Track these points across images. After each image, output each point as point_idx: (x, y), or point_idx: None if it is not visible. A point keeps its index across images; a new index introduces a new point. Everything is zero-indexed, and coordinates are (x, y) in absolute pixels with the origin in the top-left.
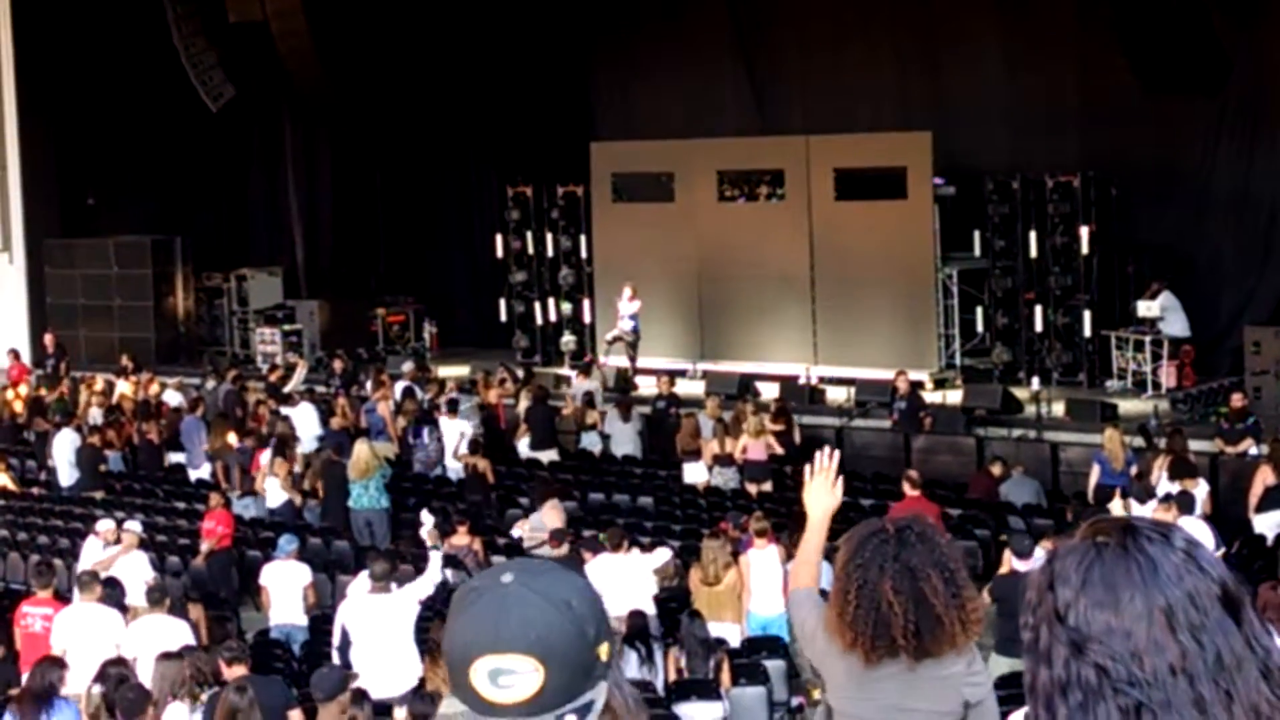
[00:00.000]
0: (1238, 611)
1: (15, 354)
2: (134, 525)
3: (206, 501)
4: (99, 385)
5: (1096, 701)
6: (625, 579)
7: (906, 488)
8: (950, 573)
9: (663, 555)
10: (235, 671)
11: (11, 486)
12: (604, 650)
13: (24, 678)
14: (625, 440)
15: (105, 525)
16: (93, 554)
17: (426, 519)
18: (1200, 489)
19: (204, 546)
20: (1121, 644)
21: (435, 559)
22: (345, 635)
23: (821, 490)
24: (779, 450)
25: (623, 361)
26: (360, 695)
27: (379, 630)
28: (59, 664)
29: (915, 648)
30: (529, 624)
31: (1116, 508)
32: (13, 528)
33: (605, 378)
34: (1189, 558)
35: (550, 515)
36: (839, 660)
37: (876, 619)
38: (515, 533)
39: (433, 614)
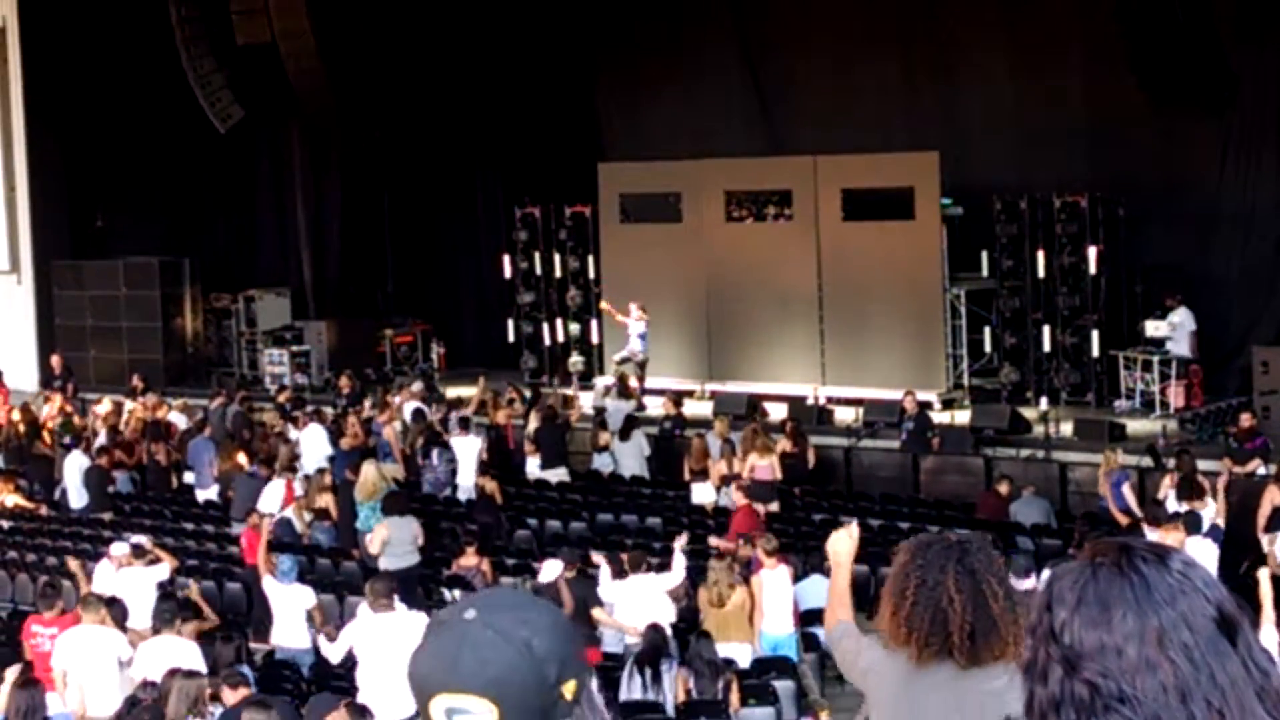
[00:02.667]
0: (1234, 633)
1: None
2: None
3: (217, 523)
4: (107, 407)
5: (1089, 718)
6: (646, 600)
7: (738, 496)
8: (1007, 586)
9: (679, 572)
10: (238, 695)
11: (25, 504)
12: (569, 689)
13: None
14: (629, 459)
15: (120, 549)
16: (105, 577)
17: None
18: (1209, 509)
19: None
20: (1114, 662)
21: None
22: (351, 655)
23: (843, 535)
24: (779, 475)
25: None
26: (360, 710)
27: (383, 650)
28: (32, 684)
29: (969, 650)
30: (485, 664)
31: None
32: (22, 549)
33: (640, 401)
34: (1184, 578)
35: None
36: (888, 668)
37: (935, 614)
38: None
39: None
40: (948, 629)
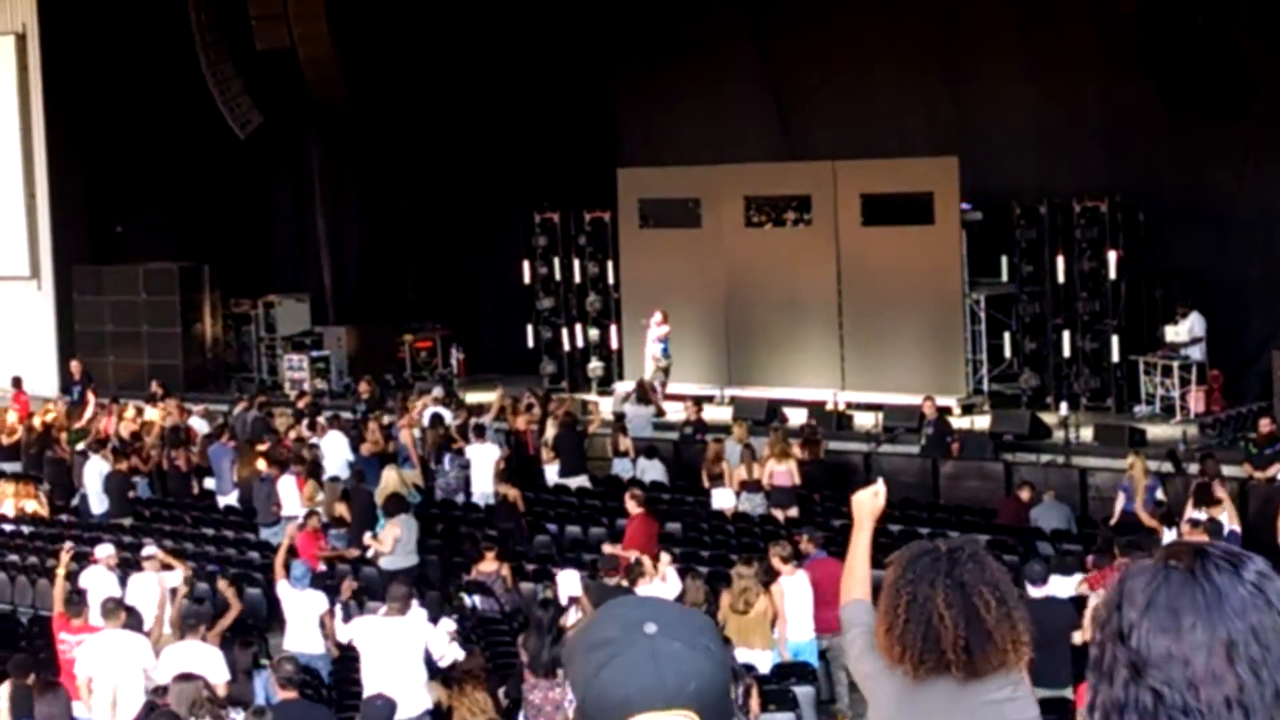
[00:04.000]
0: None
1: (17, 381)
2: (152, 549)
3: (237, 529)
4: (129, 412)
5: None
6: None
7: (631, 505)
8: (1001, 592)
9: (674, 585)
10: (284, 695)
11: (42, 512)
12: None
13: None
14: (652, 471)
15: (105, 551)
16: (96, 581)
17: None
18: (1224, 515)
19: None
20: (1179, 671)
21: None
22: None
23: (868, 493)
24: (798, 481)
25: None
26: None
27: (388, 652)
28: (51, 686)
29: (965, 664)
30: (686, 677)
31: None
32: (42, 554)
33: (661, 408)
34: (1258, 590)
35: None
36: (886, 681)
37: (927, 632)
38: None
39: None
40: (940, 646)
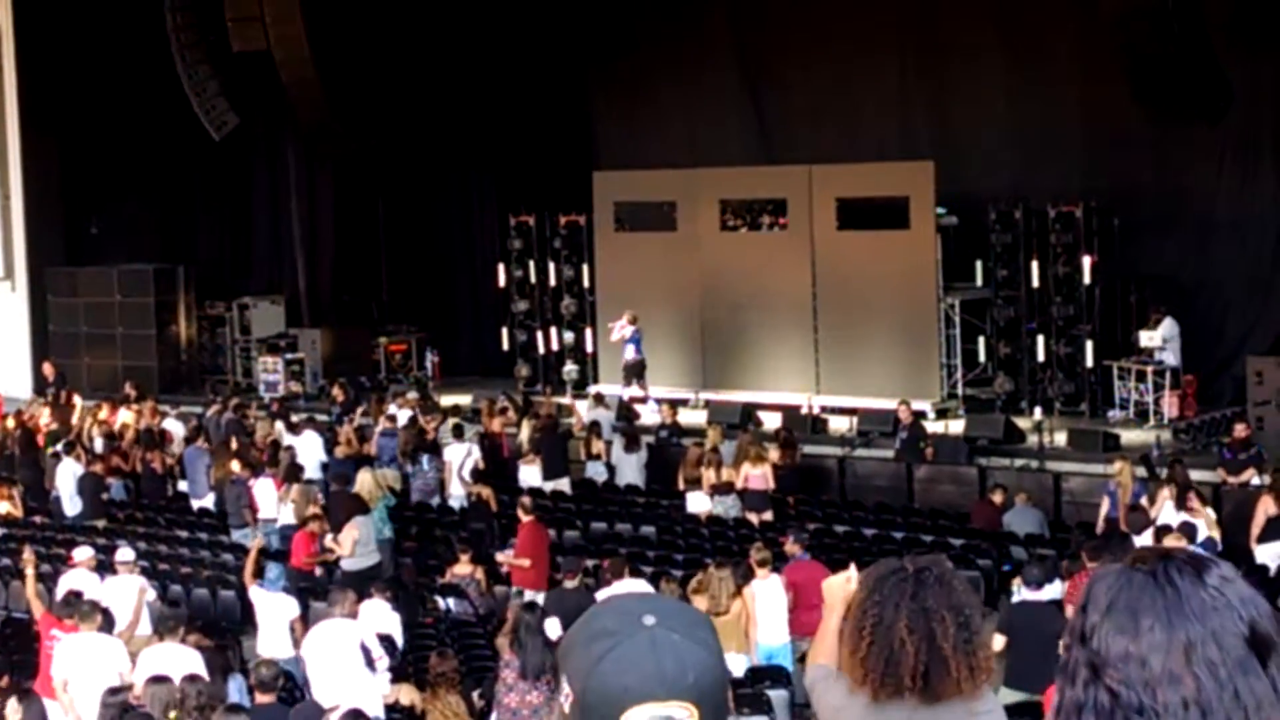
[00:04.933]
0: (1266, 654)
1: None
2: (128, 553)
3: (211, 530)
4: (103, 414)
5: None
6: None
7: (520, 513)
8: (965, 618)
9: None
10: (261, 699)
11: (16, 513)
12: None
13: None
14: (631, 471)
15: (84, 554)
16: (75, 583)
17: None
18: (1203, 521)
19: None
20: (1136, 671)
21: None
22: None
23: (839, 580)
24: (772, 485)
25: (635, 390)
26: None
27: (337, 655)
28: (29, 695)
29: (922, 689)
30: (685, 668)
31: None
32: (15, 556)
33: (611, 407)
34: (1219, 594)
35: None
36: (851, 706)
37: (890, 656)
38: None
39: (433, 645)
40: (899, 671)
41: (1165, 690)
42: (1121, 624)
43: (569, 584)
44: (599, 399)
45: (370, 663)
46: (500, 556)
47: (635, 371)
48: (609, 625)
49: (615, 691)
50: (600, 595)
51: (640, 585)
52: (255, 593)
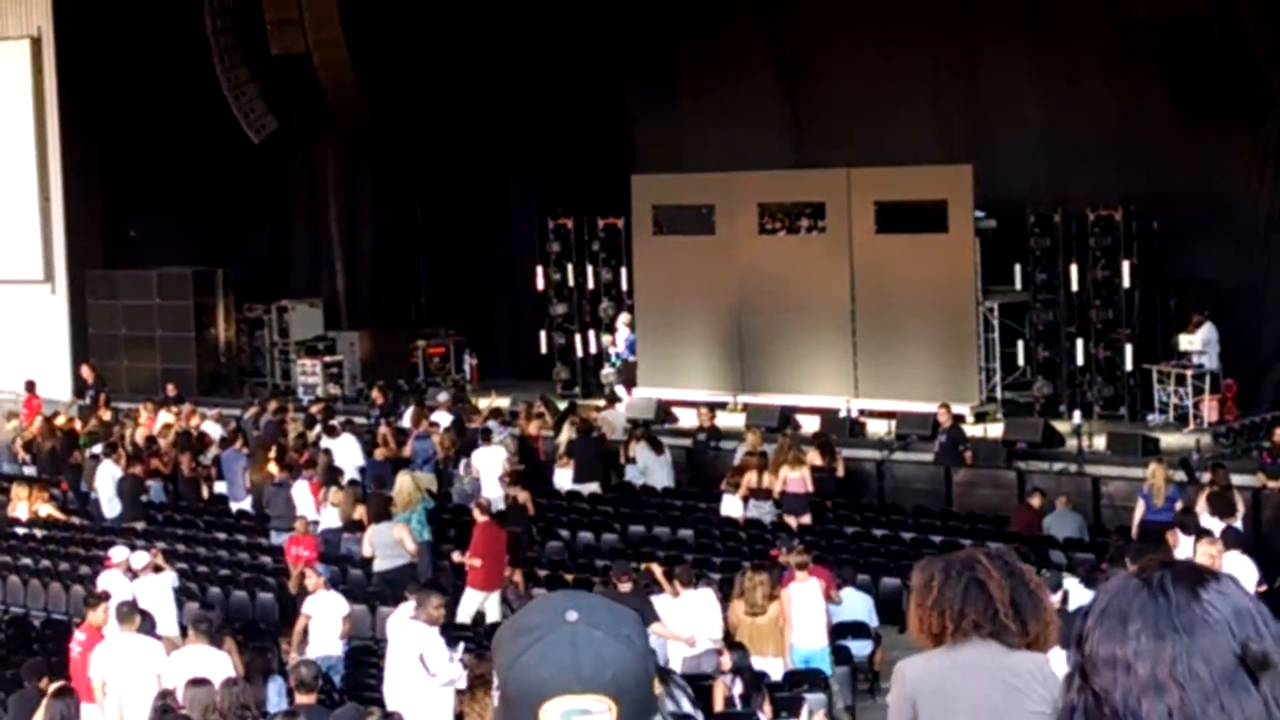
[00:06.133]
0: (1260, 672)
1: (30, 385)
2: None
3: (250, 533)
4: (144, 416)
5: None
6: (699, 616)
7: (477, 513)
8: (1035, 577)
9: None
10: (302, 699)
11: (57, 515)
12: (656, 685)
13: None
14: (659, 473)
15: (124, 555)
16: (112, 586)
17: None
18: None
19: (294, 570)
20: (1122, 677)
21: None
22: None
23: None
24: (811, 488)
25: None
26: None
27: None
28: (66, 693)
29: (1014, 617)
30: (604, 663)
31: (1182, 546)
32: (55, 558)
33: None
34: (1213, 608)
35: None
36: (925, 664)
37: (968, 587)
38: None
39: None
40: (989, 600)
41: (1150, 698)
42: (1111, 629)
43: (623, 587)
44: (611, 399)
45: (429, 672)
46: (456, 556)
47: (629, 374)
48: (534, 621)
49: (534, 684)
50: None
51: (705, 595)
52: (312, 599)
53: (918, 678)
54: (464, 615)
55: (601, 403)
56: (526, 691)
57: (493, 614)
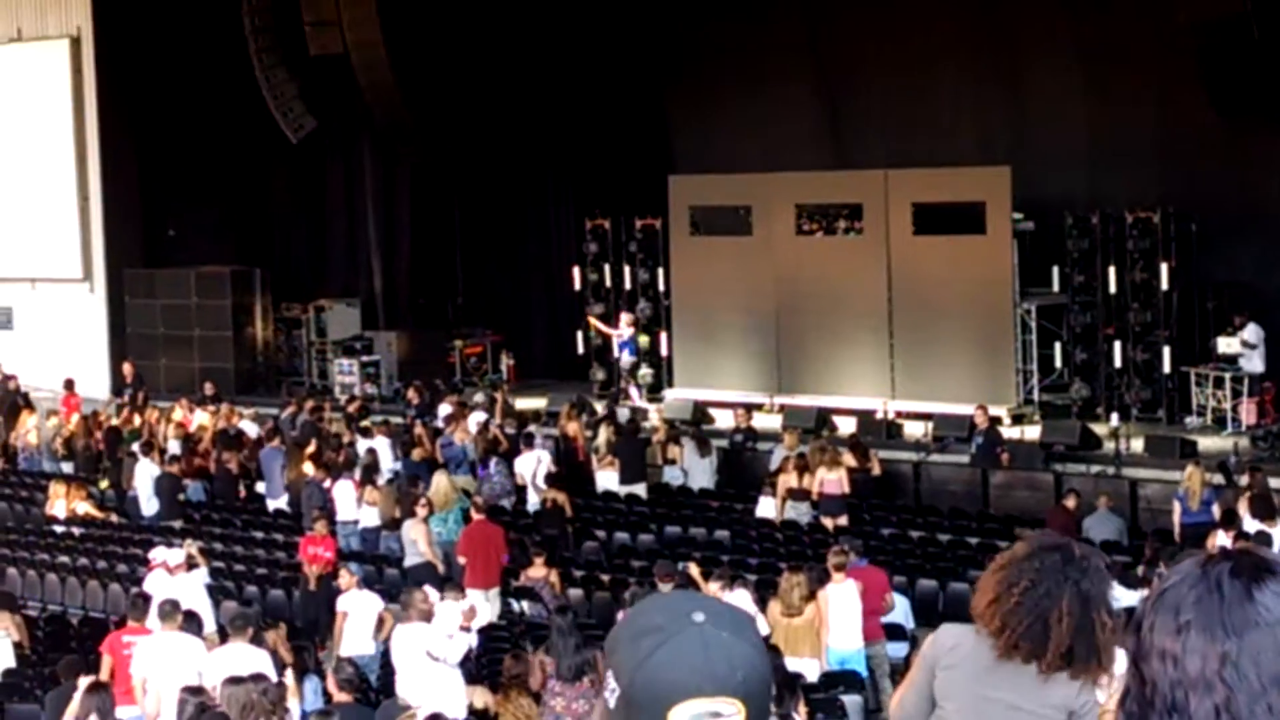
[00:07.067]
0: None
1: (69, 384)
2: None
3: (287, 531)
4: (179, 414)
5: (1147, 715)
6: None
7: (473, 511)
8: (1113, 611)
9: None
10: (341, 698)
11: (95, 513)
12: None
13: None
14: (702, 475)
15: (165, 554)
16: (159, 584)
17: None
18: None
19: (313, 571)
20: (1172, 669)
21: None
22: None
23: None
24: (848, 489)
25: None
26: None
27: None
28: (101, 689)
29: (1058, 664)
30: (734, 665)
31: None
32: (92, 556)
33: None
34: (1267, 609)
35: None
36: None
37: (1036, 622)
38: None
39: (507, 647)
40: (1046, 642)
41: (1197, 695)
42: (1164, 620)
43: (664, 587)
44: (615, 399)
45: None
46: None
47: (630, 374)
48: (657, 621)
49: (664, 686)
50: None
51: (741, 596)
52: (344, 596)
53: (950, 650)
54: None
55: (640, 403)
56: (656, 693)
57: (489, 612)
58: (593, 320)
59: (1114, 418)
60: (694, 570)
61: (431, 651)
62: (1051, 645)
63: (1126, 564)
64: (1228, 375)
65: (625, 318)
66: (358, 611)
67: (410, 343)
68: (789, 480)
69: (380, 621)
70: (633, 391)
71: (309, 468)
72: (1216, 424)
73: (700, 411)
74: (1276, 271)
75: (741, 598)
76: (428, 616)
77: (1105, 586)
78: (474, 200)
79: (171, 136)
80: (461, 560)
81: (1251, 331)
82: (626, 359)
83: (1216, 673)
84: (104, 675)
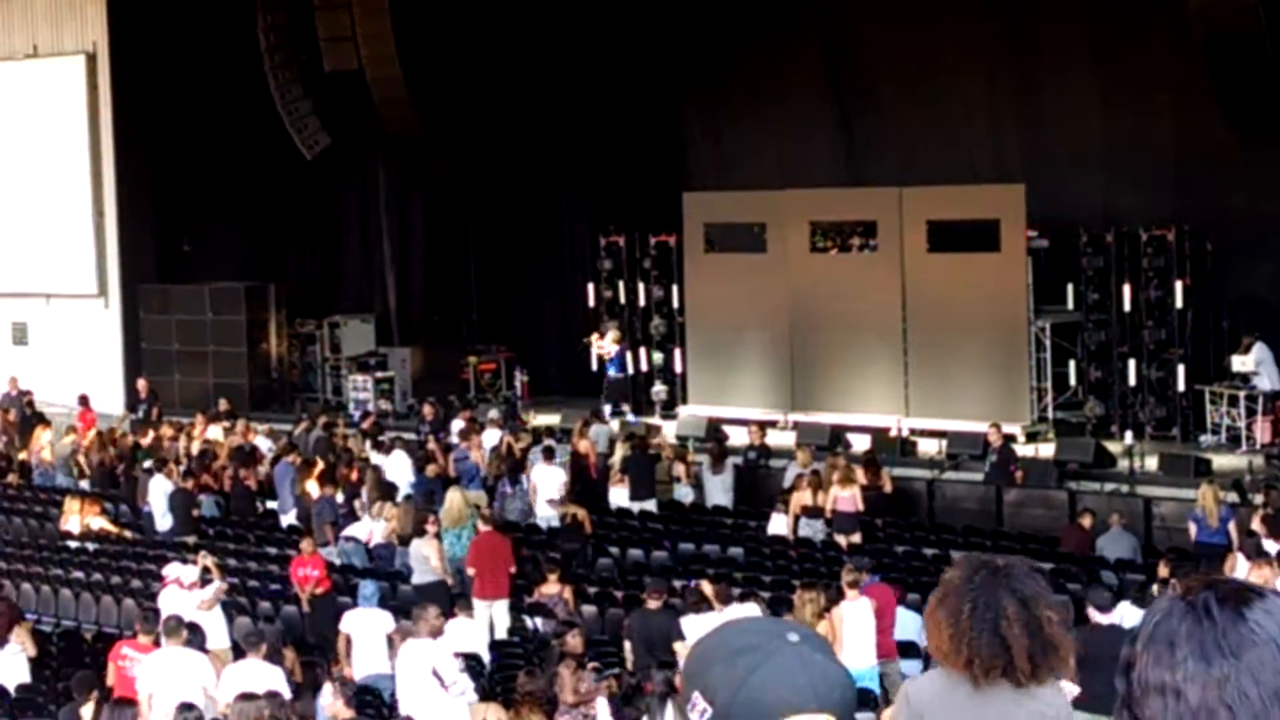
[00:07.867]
0: None
1: (84, 400)
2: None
3: (298, 547)
4: (197, 430)
5: None
6: None
7: (480, 524)
8: (1057, 604)
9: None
10: (346, 714)
11: (110, 529)
12: None
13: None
14: (716, 492)
15: (179, 570)
16: (173, 601)
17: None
18: None
19: (304, 592)
20: (1172, 703)
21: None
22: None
23: None
24: (861, 507)
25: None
26: None
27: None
28: (125, 703)
29: (1030, 671)
30: (832, 683)
31: (1239, 567)
32: (106, 571)
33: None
34: (1260, 627)
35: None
36: (947, 689)
37: (992, 639)
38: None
39: (521, 664)
40: (1010, 653)
41: None
42: (1159, 655)
43: (652, 604)
44: (596, 415)
45: (443, 685)
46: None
47: (619, 390)
48: (751, 641)
49: (770, 702)
50: (690, 620)
51: (751, 609)
52: (349, 616)
53: (928, 700)
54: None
55: (654, 420)
56: (760, 710)
57: (500, 624)
58: (587, 341)
59: (1128, 436)
60: (707, 588)
61: (436, 670)
62: (1015, 652)
63: (1141, 583)
64: (1242, 393)
65: (611, 334)
66: (363, 632)
67: (424, 359)
68: (803, 497)
69: (391, 641)
70: (605, 409)
71: (313, 486)
72: (1231, 442)
73: (714, 428)
74: None
75: (750, 612)
76: (437, 633)
77: (1037, 585)
78: (488, 216)
79: (186, 152)
80: (471, 571)
81: (1258, 351)
82: (613, 374)
83: (1218, 697)
84: (110, 681)
